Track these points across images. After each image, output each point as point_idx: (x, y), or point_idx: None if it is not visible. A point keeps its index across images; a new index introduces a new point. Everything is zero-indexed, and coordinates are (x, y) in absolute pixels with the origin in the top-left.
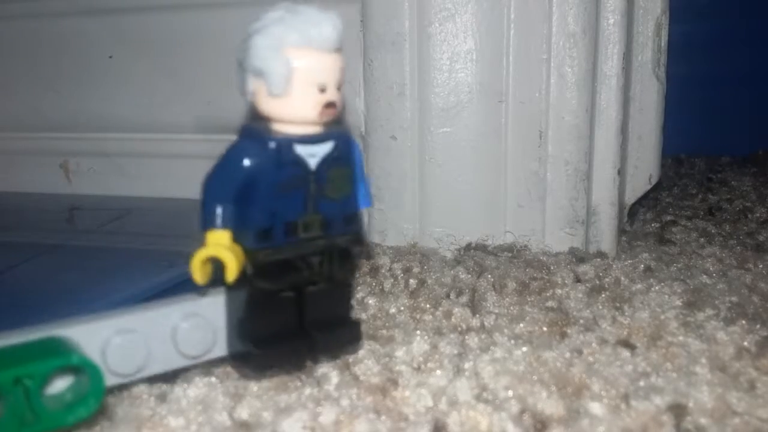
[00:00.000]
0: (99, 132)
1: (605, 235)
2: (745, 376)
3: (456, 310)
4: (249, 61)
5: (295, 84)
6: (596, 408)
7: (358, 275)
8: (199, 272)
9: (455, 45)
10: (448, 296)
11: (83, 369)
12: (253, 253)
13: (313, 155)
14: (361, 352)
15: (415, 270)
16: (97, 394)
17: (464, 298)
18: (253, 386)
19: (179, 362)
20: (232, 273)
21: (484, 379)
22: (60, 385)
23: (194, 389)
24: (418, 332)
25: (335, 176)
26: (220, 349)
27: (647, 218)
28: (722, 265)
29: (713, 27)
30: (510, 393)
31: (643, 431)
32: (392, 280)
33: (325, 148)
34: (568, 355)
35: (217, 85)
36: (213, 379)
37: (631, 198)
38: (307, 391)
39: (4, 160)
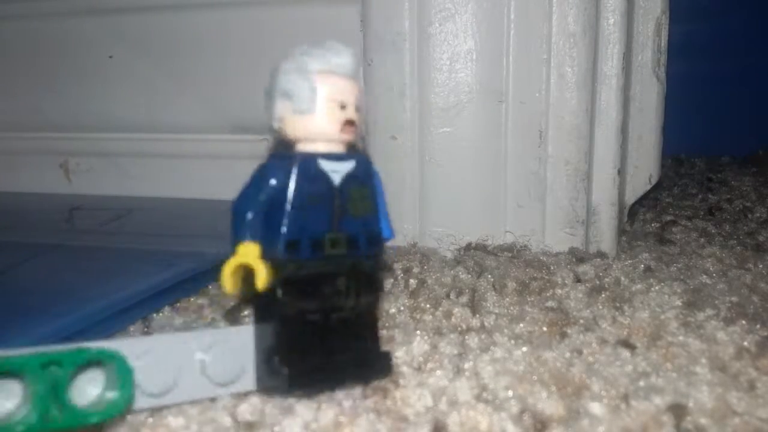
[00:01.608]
0: (99, 132)
1: (605, 235)
2: (745, 376)
3: (456, 310)
4: (277, 86)
5: (319, 101)
6: (596, 408)
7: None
8: (229, 281)
9: (455, 45)
10: (448, 296)
11: (113, 367)
12: (281, 264)
13: (336, 171)
14: None
15: (415, 270)
16: (125, 390)
17: (464, 298)
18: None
19: (207, 391)
20: (262, 280)
21: (484, 379)
22: (88, 390)
23: None
24: (418, 332)
25: (357, 195)
26: (249, 384)
27: (647, 218)
28: (722, 265)
29: (713, 27)
30: (510, 393)
31: (643, 431)
32: (392, 280)
33: (347, 165)
34: (568, 355)
35: (217, 85)
36: None
37: (631, 198)
38: None
39: (4, 160)
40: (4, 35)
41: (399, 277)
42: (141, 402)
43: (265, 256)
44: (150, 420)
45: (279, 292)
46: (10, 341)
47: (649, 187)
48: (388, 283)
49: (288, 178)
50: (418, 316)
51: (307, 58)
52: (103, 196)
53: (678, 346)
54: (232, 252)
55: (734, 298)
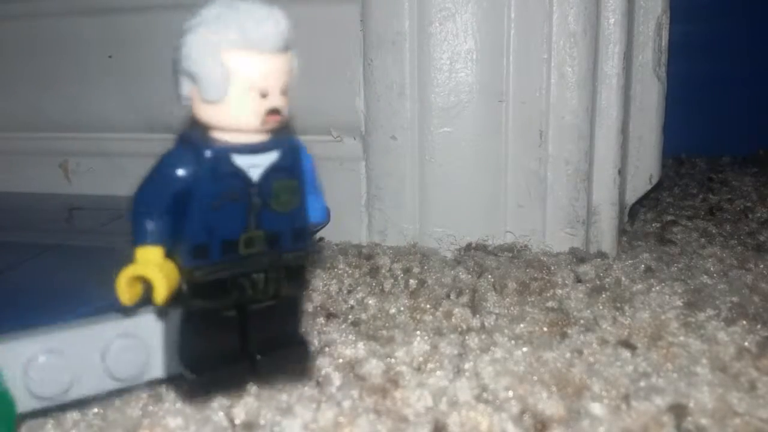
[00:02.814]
0: (99, 132)
1: (606, 235)
2: (745, 377)
3: (456, 310)
4: (183, 63)
5: (233, 89)
6: (597, 408)
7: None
8: (125, 292)
9: (455, 45)
10: (448, 296)
11: None
12: (188, 271)
13: (255, 166)
14: (362, 353)
15: (415, 270)
16: (7, 422)
17: (464, 299)
18: (253, 386)
19: (109, 385)
20: (160, 294)
21: (484, 379)
22: None
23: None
24: (419, 333)
25: (281, 188)
26: (156, 371)
27: (648, 218)
28: (723, 265)
29: (713, 27)
30: (510, 393)
31: None
32: (392, 281)
33: (269, 157)
34: (568, 355)
35: None
36: None
37: (631, 198)
38: (307, 391)
39: (4, 160)
40: (4, 35)
41: (399, 278)
42: (34, 404)
43: (170, 256)
44: (146, 421)
45: (184, 289)
46: None
47: (649, 187)
48: (388, 284)
49: (195, 175)
50: (418, 317)
51: (218, 29)
52: (103, 196)
53: (679, 346)
54: (131, 255)
55: (735, 299)
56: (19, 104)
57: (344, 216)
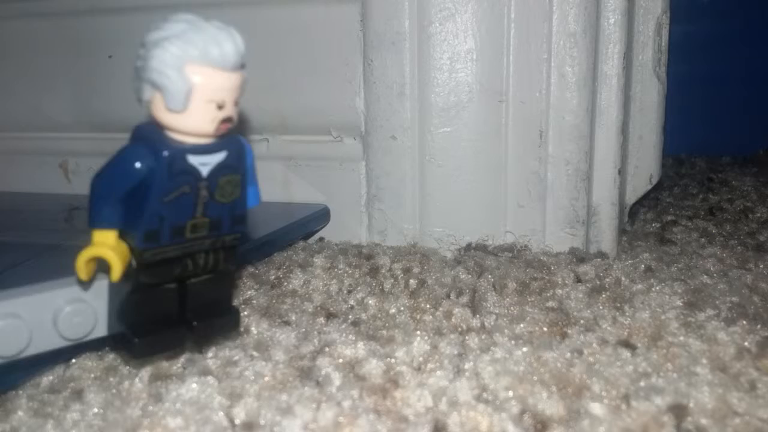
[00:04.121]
0: (99, 132)
1: (606, 235)
2: (745, 377)
3: (456, 310)
4: (148, 73)
5: (194, 101)
6: (597, 408)
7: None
8: (83, 271)
9: (455, 45)
10: (448, 296)
11: None
12: (139, 252)
13: (205, 164)
14: (362, 353)
15: (415, 270)
16: None
17: (464, 299)
18: (253, 386)
19: (59, 343)
20: (116, 273)
21: (484, 379)
22: None
23: (192, 389)
24: (419, 332)
25: (226, 182)
26: (101, 331)
27: (648, 218)
28: (723, 265)
29: (713, 27)
30: (510, 393)
31: None
32: (392, 281)
33: (218, 157)
34: (568, 355)
35: None
36: (210, 378)
37: (631, 198)
38: (307, 391)
39: (4, 160)
40: (4, 35)
41: (399, 278)
42: None
43: (123, 237)
44: (146, 421)
45: (134, 265)
46: None
47: (649, 187)
48: (388, 284)
49: (152, 170)
50: (418, 317)
51: (183, 47)
52: None
53: (678, 346)
54: (87, 236)
55: (735, 299)
56: (19, 104)
57: (344, 216)
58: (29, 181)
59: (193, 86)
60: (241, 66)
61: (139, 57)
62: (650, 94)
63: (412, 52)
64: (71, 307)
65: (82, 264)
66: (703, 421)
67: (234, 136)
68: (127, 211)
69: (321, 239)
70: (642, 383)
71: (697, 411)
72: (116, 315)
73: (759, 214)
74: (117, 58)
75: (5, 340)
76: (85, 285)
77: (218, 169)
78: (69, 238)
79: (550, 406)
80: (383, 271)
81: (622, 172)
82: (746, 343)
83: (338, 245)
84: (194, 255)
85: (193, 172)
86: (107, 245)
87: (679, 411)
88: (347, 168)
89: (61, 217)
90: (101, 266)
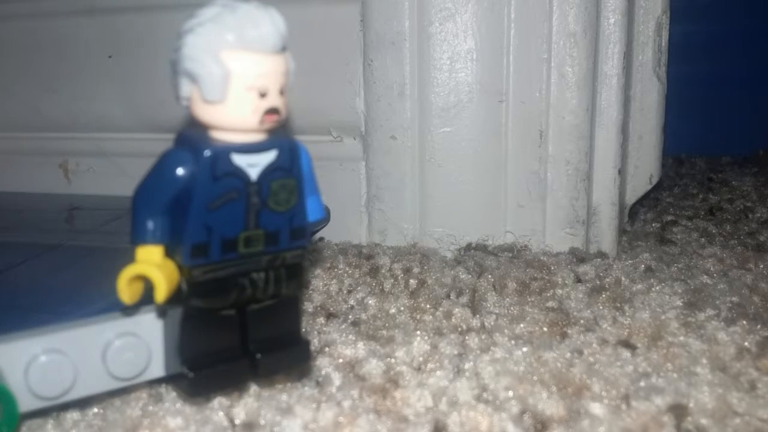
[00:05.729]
0: (99, 132)
1: (606, 235)
2: (745, 377)
3: (456, 310)
4: (182, 63)
5: (232, 89)
6: (597, 408)
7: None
8: (125, 292)
9: (455, 45)
10: (448, 296)
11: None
12: (188, 270)
13: (253, 165)
14: (362, 353)
15: (415, 270)
16: (10, 423)
17: (464, 299)
18: (252, 386)
19: (110, 384)
20: (161, 293)
21: (484, 379)
22: None
23: None
24: (419, 332)
25: (279, 188)
26: (157, 370)
27: (648, 218)
28: (723, 265)
29: (713, 27)
30: (510, 393)
31: None
32: (392, 280)
33: (267, 157)
34: (568, 355)
35: None
36: None
37: (631, 198)
38: (307, 391)
39: (4, 160)
40: (4, 35)
41: (399, 278)
42: (36, 404)
43: (170, 255)
44: (146, 421)
45: (184, 287)
46: None
47: (649, 187)
48: (388, 284)
49: (195, 174)
50: (418, 317)
51: (217, 30)
52: (103, 196)
53: (679, 346)
54: (131, 254)
55: (735, 299)
56: (19, 104)
57: (344, 216)
58: (29, 181)
59: (230, 72)
60: (283, 48)
61: (174, 49)
62: (650, 94)
63: (412, 52)
64: (122, 343)
65: (124, 284)
66: (703, 421)
67: (285, 135)
68: (172, 225)
69: (321, 239)
70: (642, 383)
71: (697, 411)
72: (171, 351)
73: (759, 214)
74: (117, 58)
75: (48, 379)
76: (131, 311)
77: (269, 172)
78: (69, 238)
79: (550, 406)
80: (383, 271)
81: (622, 172)
82: (746, 343)
83: (338, 245)
84: (251, 275)
85: (240, 174)
86: (152, 262)
87: (679, 411)
88: (347, 168)
89: (61, 217)
90: (147, 290)
